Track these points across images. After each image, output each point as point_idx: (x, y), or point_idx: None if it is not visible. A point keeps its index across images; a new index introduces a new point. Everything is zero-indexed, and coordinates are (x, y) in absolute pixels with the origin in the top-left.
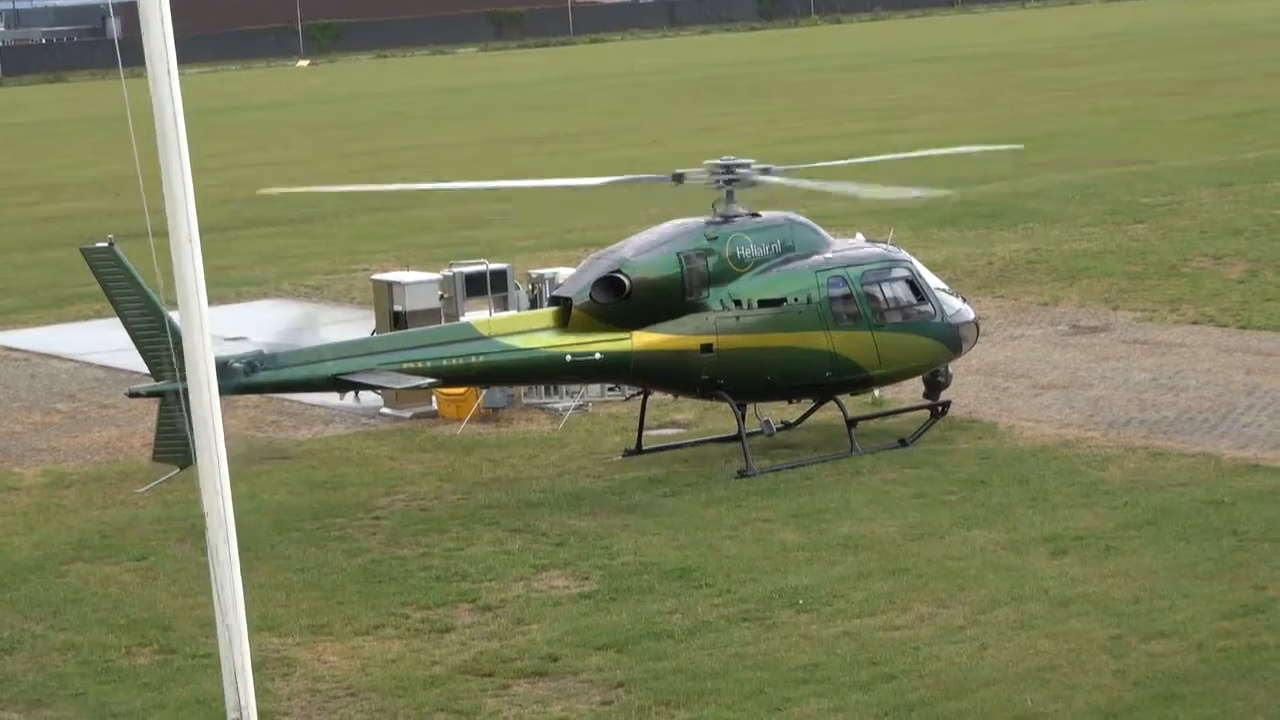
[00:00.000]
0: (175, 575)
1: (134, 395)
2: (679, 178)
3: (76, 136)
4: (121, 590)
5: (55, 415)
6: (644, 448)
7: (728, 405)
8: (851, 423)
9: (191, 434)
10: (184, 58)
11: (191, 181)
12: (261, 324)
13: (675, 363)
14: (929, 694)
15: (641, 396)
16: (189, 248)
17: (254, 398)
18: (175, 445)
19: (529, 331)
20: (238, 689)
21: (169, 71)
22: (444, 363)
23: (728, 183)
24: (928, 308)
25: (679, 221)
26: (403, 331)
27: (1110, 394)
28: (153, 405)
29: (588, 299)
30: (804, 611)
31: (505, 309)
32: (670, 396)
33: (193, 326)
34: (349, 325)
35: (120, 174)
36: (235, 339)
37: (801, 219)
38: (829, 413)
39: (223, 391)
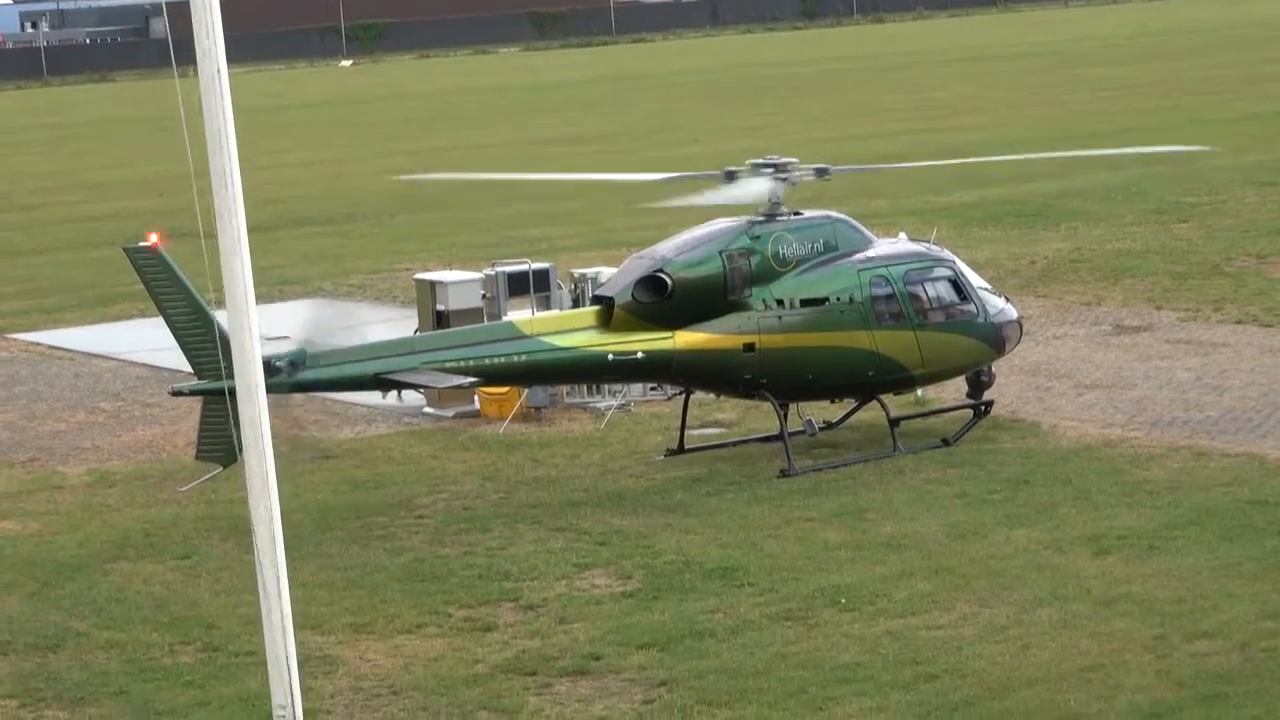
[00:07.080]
0: (218, 573)
1: (177, 394)
2: (731, 175)
3: (121, 136)
4: (165, 588)
5: (99, 414)
6: (686, 447)
7: (770, 405)
8: (894, 422)
9: (238, 432)
10: (228, 57)
11: (240, 181)
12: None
13: (717, 362)
14: (972, 693)
15: (683, 396)
16: (238, 248)
17: (296, 397)
18: (218, 444)
19: (571, 331)
20: (286, 684)
21: (219, 71)
22: (486, 362)
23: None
24: (970, 307)
25: (721, 220)
26: (445, 330)
27: (1154, 394)
28: (196, 404)
29: (630, 298)
30: (846, 611)
31: (548, 308)
32: (712, 396)
33: (241, 326)
34: (392, 324)
35: (164, 173)
36: (278, 338)
37: (844, 217)
38: (871, 412)
39: (266, 390)
